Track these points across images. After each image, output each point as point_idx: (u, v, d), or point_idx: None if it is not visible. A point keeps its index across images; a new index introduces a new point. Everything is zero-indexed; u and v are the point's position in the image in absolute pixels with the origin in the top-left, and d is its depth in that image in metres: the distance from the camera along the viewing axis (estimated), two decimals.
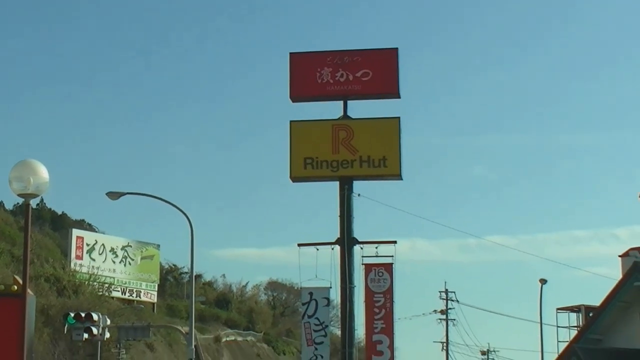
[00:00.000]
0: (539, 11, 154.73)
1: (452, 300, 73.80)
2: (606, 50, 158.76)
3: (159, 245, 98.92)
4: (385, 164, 33.16)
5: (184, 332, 53.33)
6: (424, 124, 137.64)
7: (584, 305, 45.24)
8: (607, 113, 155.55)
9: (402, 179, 34.07)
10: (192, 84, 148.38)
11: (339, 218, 33.60)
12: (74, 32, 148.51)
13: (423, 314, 79.88)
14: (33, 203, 20.11)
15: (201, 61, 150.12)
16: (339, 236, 33.42)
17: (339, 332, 37.51)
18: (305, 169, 33.57)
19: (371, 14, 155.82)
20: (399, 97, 34.12)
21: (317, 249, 33.94)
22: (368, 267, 33.17)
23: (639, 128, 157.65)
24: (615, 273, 41.00)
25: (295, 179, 34.14)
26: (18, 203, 74.35)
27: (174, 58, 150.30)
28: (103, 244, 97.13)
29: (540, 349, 50.99)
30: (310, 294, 33.64)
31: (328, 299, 33.99)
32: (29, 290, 20.23)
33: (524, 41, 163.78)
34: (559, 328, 46.16)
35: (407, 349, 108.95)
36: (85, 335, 48.64)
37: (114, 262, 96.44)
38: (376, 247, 33.46)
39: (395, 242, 33.83)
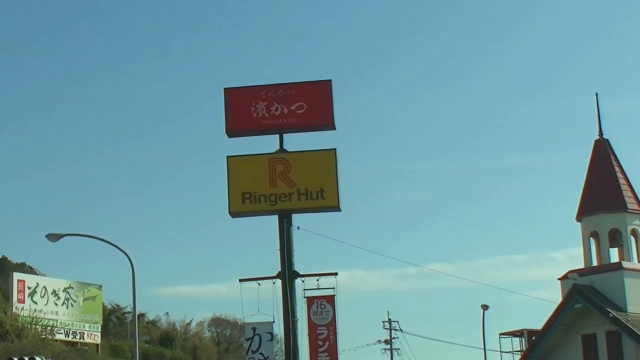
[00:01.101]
0: (474, 35, 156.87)
1: (396, 330, 73.41)
2: (539, 73, 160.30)
3: (101, 286, 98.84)
4: (323, 196, 32.64)
5: None
6: (361, 153, 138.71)
7: (526, 329, 45.24)
8: (540, 136, 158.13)
9: (340, 210, 33.36)
10: (128, 121, 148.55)
11: (279, 252, 32.80)
12: None
13: (367, 344, 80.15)
14: None
15: (136, 98, 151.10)
16: (279, 270, 32.60)
17: None
18: (243, 203, 32.88)
19: (306, 46, 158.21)
20: (334, 128, 33.70)
21: (259, 284, 32.91)
22: (310, 300, 32.60)
23: (572, 150, 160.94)
24: (554, 296, 41.84)
25: (234, 214, 33.38)
26: None
27: (107, 96, 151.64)
28: (45, 287, 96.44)
29: None
30: (254, 329, 32.85)
31: (272, 333, 33.11)
32: None
33: (459, 67, 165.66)
34: (502, 353, 46.27)
35: None
36: None
37: (56, 304, 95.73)
38: (317, 280, 32.84)
39: (336, 273, 32.94)
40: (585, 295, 37.30)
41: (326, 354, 32.14)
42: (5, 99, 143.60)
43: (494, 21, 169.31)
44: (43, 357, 49.16)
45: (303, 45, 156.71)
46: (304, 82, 34.14)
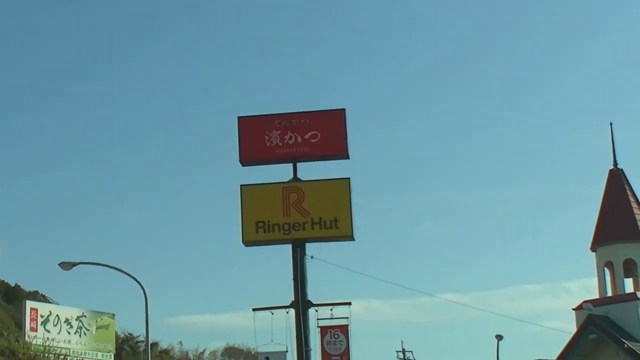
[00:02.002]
0: (491, 73, 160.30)
1: (411, 359, 73.47)
2: (556, 106, 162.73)
3: (114, 315, 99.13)
4: (336, 225, 32.50)
5: None
6: (374, 182, 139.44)
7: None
8: (554, 166, 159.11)
9: (354, 239, 33.21)
10: (142, 151, 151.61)
11: (292, 281, 32.55)
12: None
13: None
14: None
15: (150, 129, 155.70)
16: (293, 299, 32.31)
17: None
18: (257, 232, 32.66)
19: (320, 75, 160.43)
20: (348, 157, 33.63)
21: (272, 313, 32.66)
22: (324, 330, 32.46)
23: (587, 180, 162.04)
24: (569, 327, 40.92)
25: (247, 243, 33.22)
26: None
27: (119, 128, 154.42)
28: (57, 315, 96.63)
29: None
30: (267, 358, 32.79)
31: None
32: None
33: (476, 107, 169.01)
34: None
35: None
36: None
37: (69, 332, 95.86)
38: (331, 309, 32.68)
39: (349, 303, 32.90)
40: (600, 325, 36.37)
41: None
42: (34, 145, 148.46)
43: (518, 60, 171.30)
44: None
45: (317, 74, 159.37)
46: (318, 111, 34.22)
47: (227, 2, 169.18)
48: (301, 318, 32.30)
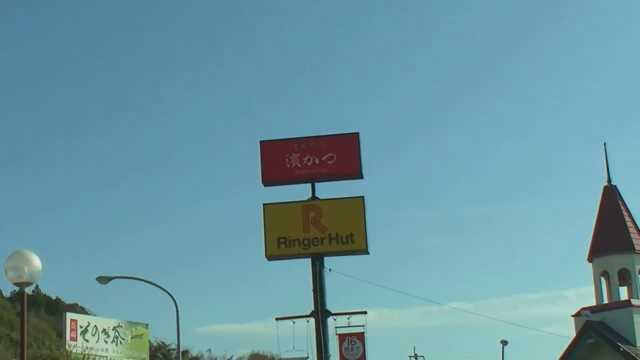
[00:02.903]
0: (494, 99, 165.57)
1: None
2: (552, 124, 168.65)
3: (147, 325, 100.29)
4: (352, 240, 33.10)
5: None
6: (386, 200, 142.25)
7: None
8: (552, 182, 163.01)
9: (368, 253, 33.87)
10: (171, 173, 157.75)
11: (312, 292, 33.21)
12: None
13: None
14: (28, 289, 20.67)
15: (177, 152, 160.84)
16: (313, 309, 32.92)
17: None
18: (279, 247, 33.32)
19: (335, 99, 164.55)
20: (362, 177, 34.22)
21: (294, 322, 33.44)
22: (341, 337, 33.08)
23: (583, 195, 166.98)
24: (568, 332, 41.82)
25: (270, 257, 33.67)
26: (15, 290, 76.27)
27: (151, 149, 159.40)
28: (95, 326, 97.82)
29: None
30: None
31: None
32: None
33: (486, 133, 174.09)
34: None
35: None
36: None
37: (106, 342, 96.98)
38: (348, 318, 33.40)
39: (365, 312, 33.95)
40: (597, 330, 37.77)
41: None
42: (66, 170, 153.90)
43: (517, 89, 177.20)
44: None
45: (333, 100, 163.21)
46: (334, 134, 34.64)
47: (249, 32, 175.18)
48: (321, 326, 32.97)
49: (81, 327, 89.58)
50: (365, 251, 33.67)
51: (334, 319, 33.33)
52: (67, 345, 78.67)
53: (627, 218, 40.10)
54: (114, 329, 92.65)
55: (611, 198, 40.78)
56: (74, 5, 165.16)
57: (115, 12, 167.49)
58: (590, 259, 40.45)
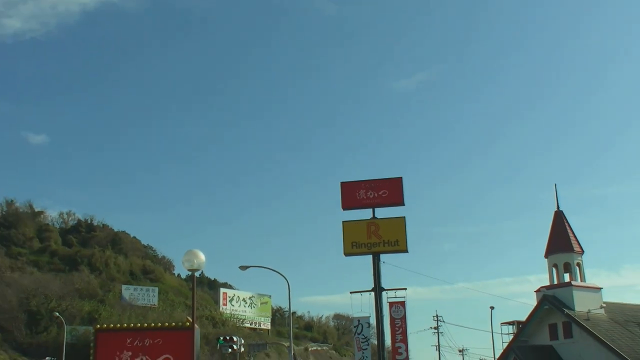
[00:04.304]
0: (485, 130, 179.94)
1: (441, 321, 79.11)
2: (522, 169, 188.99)
3: (270, 296, 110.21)
4: (397, 244, 36.85)
5: (286, 345, 59.01)
6: (418, 220, 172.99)
7: (516, 321, 46.26)
8: (521, 209, 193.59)
9: (407, 252, 37.05)
10: (283, 206, 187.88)
11: (372, 276, 37.06)
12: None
13: (424, 329, 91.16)
14: (197, 274, 23.20)
15: (286, 180, 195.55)
16: (373, 286, 36.85)
17: (376, 342, 39.00)
18: (352, 248, 37.07)
19: (382, 150, 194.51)
20: (404, 205, 37.71)
21: (361, 294, 36.94)
22: (391, 304, 36.87)
23: (539, 217, 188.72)
24: (531, 302, 45.51)
25: (347, 254, 37.27)
26: (188, 274, 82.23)
27: (270, 176, 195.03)
28: (238, 296, 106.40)
29: (492, 347, 56.24)
30: (359, 320, 37.41)
31: (369, 323, 37.50)
32: (196, 325, 24.30)
33: (466, 160, 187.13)
34: (502, 335, 47.40)
35: (414, 350, 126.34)
36: (230, 350, 54.41)
37: (244, 307, 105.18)
38: (395, 292, 37.06)
39: (405, 289, 37.27)
40: (550, 300, 41.09)
41: (400, 335, 36.67)
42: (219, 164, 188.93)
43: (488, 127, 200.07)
44: (237, 337, 56.17)
45: (381, 149, 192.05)
46: (387, 178, 38.09)
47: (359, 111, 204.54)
48: (378, 297, 36.78)
49: (229, 297, 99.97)
50: (405, 251, 36.97)
51: (386, 293, 36.91)
52: (221, 309, 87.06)
53: (568, 230, 43.30)
54: (250, 298, 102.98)
55: (559, 218, 43.57)
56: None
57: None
58: (546, 256, 43.52)
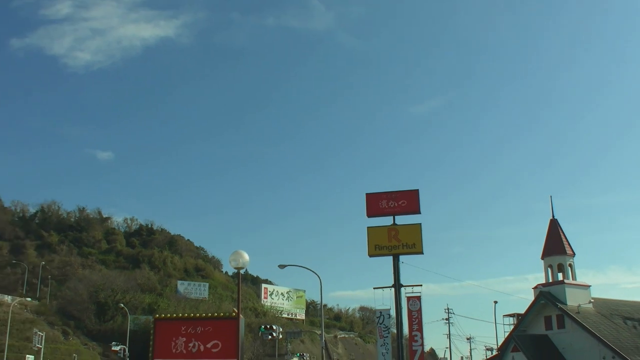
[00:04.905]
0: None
1: (451, 313, 79.13)
2: (522, 183, 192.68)
3: (304, 290, 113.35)
4: (414, 247, 37.23)
5: (318, 333, 60.13)
6: (431, 226, 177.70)
7: (516, 313, 47.28)
8: (522, 216, 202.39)
9: (423, 254, 37.29)
10: (314, 215, 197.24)
11: (392, 274, 37.36)
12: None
13: (436, 320, 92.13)
14: (242, 271, 23.17)
15: (313, 193, 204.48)
16: (393, 282, 37.21)
17: (395, 331, 39.25)
18: (375, 250, 37.53)
19: (400, 166, 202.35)
20: (420, 213, 38.01)
21: (383, 290, 37.30)
22: (408, 298, 37.07)
23: (539, 224, 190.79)
24: (529, 297, 46.67)
25: (371, 255, 37.61)
26: (234, 272, 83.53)
27: (310, 188, 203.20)
28: (277, 291, 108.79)
29: (495, 336, 57.75)
30: (381, 312, 37.91)
31: (389, 314, 37.84)
32: (240, 315, 24.47)
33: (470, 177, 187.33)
34: (504, 325, 48.12)
35: (428, 338, 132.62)
36: (270, 337, 56.39)
37: (282, 300, 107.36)
38: (412, 288, 37.27)
39: (421, 285, 37.46)
40: (546, 296, 41.30)
41: (416, 325, 36.84)
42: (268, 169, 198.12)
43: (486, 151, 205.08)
44: (277, 326, 58.16)
45: (398, 165, 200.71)
46: (405, 190, 38.50)
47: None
48: (397, 292, 37.22)
49: (270, 292, 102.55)
50: (421, 252, 37.43)
51: (404, 289, 37.34)
52: (262, 301, 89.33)
53: (562, 236, 43.57)
54: (287, 293, 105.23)
55: (554, 225, 43.73)
56: None
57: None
58: (542, 258, 43.75)
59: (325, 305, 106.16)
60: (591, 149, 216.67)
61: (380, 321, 38.25)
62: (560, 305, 40.50)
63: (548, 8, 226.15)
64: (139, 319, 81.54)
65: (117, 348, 78.22)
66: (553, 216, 44.04)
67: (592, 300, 41.90)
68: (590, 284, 42.89)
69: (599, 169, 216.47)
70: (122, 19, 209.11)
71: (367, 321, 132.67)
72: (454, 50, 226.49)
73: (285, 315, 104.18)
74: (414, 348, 37.02)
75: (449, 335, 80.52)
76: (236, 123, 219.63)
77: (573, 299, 40.98)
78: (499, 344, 48.56)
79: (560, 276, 42.64)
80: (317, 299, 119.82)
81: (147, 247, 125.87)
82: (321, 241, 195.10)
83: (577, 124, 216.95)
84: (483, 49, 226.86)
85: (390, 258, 37.99)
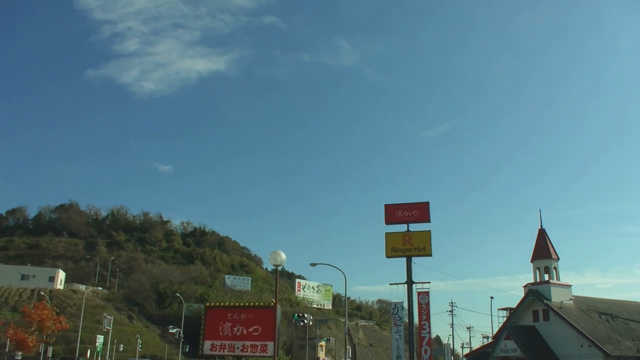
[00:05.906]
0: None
1: (454, 306, 76.96)
2: (517, 198, 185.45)
3: (332, 285, 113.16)
4: (425, 250, 37.39)
5: (342, 321, 60.48)
6: (439, 232, 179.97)
7: (509, 307, 46.28)
8: (517, 227, 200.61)
9: (431, 256, 37.55)
10: (338, 222, 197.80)
11: (406, 272, 37.45)
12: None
13: (442, 312, 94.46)
14: (280, 268, 22.78)
15: (339, 202, 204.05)
16: (406, 279, 37.36)
17: (407, 320, 38.63)
18: (392, 252, 37.51)
19: (416, 180, 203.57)
20: (430, 222, 38.01)
21: (397, 286, 37.66)
22: (419, 293, 37.29)
23: (529, 232, 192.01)
24: (519, 294, 44.27)
25: (388, 256, 37.55)
26: (273, 268, 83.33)
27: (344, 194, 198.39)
28: (308, 285, 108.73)
29: (491, 326, 59.07)
30: (395, 304, 37.91)
31: (402, 306, 37.84)
32: (277, 305, 24.62)
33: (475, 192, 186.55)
34: (499, 317, 47.28)
35: (435, 327, 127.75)
36: (302, 323, 57.21)
37: (313, 293, 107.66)
38: (422, 284, 37.56)
39: (429, 282, 37.83)
40: (534, 293, 40.85)
41: (425, 316, 36.94)
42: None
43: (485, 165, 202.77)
44: (308, 314, 58.81)
45: (410, 180, 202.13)
46: (418, 202, 38.42)
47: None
48: (409, 288, 37.60)
49: (302, 285, 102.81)
50: (430, 255, 37.77)
51: (415, 285, 37.71)
52: (295, 294, 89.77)
53: (548, 243, 43.07)
54: (317, 286, 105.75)
55: (542, 234, 43.29)
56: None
57: None
58: (532, 261, 43.17)
59: (348, 298, 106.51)
60: (576, 166, 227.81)
61: (395, 312, 38.35)
62: (546, 301, 40.23)
63: (539, 49, 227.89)
64: (192, 307, 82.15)
65: (174, 330, 78.96)
66: (541, 226, 43.64)
67: (573, 298, 41.57)
68: (571, 284, 42.48)
69: (581, 185, 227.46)
70: (180, 55, 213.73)
71: (384, 312, 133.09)
72: (459, 83, 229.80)
73: (315, 306, 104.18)
74: (422, 335, 36.91)
75: (452, 325, 79.61)
76: (276, 142, 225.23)
77: (557, 296, 40.65)
78: (494, 332, 48.10)
79: (546, 277, 42.28)
80: (342, 292, 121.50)
81: (200, 246, 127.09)
82: (346, 243, 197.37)
83: (564, 142, 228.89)
84: (481, 84, 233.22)
85: (404, 259, 38.18)
